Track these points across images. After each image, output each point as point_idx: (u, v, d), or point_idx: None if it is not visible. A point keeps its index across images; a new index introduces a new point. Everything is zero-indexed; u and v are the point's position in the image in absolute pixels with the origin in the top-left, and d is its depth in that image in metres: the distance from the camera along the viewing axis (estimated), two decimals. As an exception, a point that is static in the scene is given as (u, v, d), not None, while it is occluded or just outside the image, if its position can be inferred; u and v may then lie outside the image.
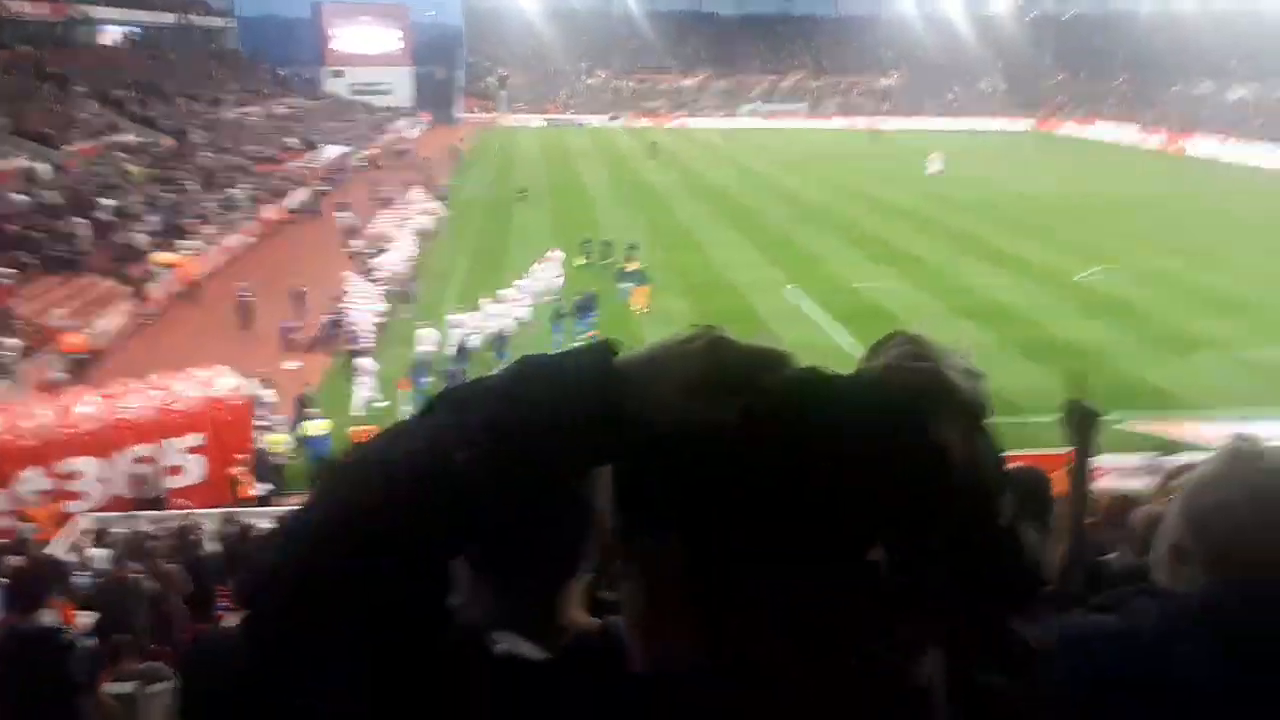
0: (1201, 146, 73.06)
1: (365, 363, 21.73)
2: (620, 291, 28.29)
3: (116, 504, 15.72)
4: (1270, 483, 1.45)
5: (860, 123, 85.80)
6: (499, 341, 23.00)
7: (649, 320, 26.20)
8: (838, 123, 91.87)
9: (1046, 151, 71.84)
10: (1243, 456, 1.50)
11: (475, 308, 24.67)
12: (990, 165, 61.51)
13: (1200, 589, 1.48)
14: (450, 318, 24.00)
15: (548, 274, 29.06)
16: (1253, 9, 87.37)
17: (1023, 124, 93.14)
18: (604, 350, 0.92)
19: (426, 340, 22.72)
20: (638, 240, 33.43)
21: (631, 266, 29.45)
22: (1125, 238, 38.41)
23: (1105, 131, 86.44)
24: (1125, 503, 7.35)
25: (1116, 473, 15.69)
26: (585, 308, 25.32)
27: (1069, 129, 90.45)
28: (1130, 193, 50.88)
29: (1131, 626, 1.53)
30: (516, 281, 27.37)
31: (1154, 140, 78.63)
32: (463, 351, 22.41)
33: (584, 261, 32.43)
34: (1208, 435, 16.50)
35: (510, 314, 25.19)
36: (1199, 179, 57.52)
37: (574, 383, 0.89)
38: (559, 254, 30.48)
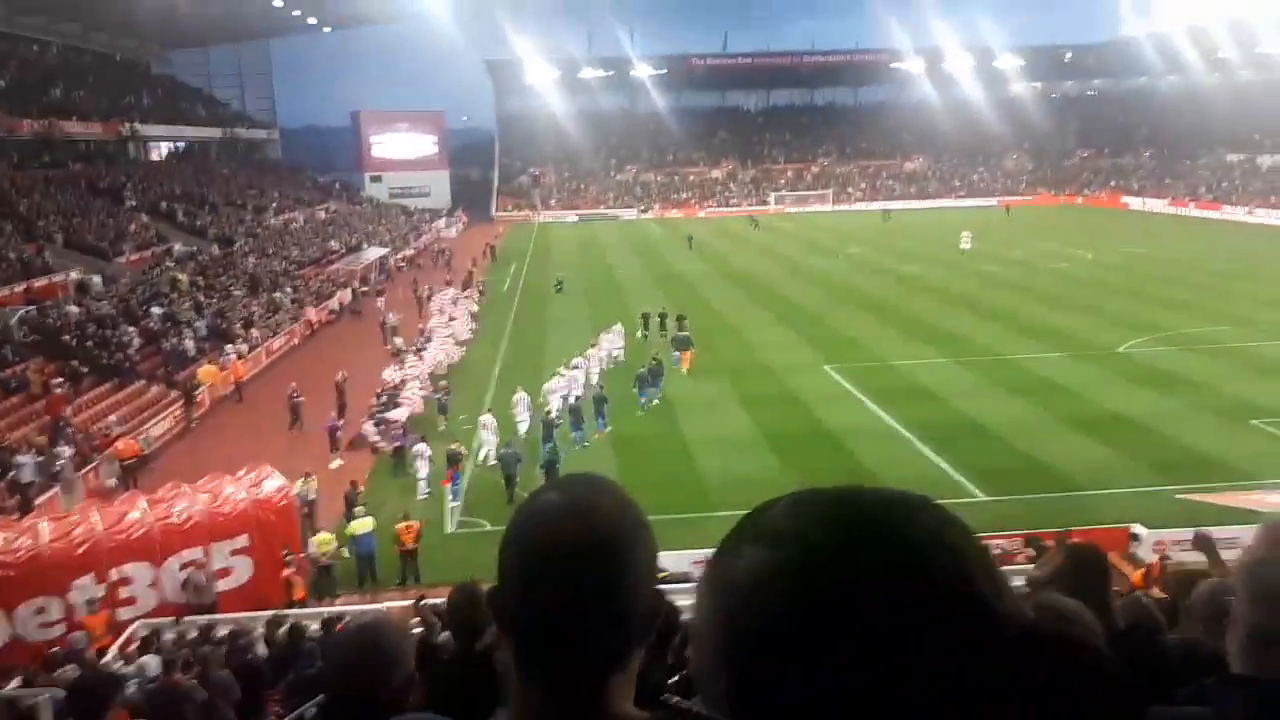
0: (1232, 216, 73.44)
1: (421, 449, 22.00)
2: (674, 357, 31.06)
3: (167, 609, 15.80)
4: None
5: (891, 205, 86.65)
6: (598, 404, 25.18)
7: (693, 381, 29.71)
8: (863, 206, 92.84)
9: (1078, 224, 71.76)
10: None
11: (557, 374, 26.78)
12: (1022, 240, 61.59)
13: None
14: (547, 385, 25.95)
15: (612, 342, 32.45)
16: (1273, 79, 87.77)
17: (1051, 199, 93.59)
18: None
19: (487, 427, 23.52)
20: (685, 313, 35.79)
21: (682, 333, 32.53)
22: (1169, 306, 38.09)
23: (1134, 203, 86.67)
24: (1187, 576, 7.14)
25: (1178, 545, 15.31)
26: (656, 374, 28.18)
27: (1098, 202, 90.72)
28: (1169, 258, 50.67)
29: (1221, 717, 1.52)
30: (589, 350, 30.37)
31: (1184, 211, 78.78)
32: (545, 427, 22.92)
33: (642, 334, 35.59)
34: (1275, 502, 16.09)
35: (585, 379, 27.85)
36: (1235, 243, 57.13)
37: None
38: (619, 327, 33.87)
